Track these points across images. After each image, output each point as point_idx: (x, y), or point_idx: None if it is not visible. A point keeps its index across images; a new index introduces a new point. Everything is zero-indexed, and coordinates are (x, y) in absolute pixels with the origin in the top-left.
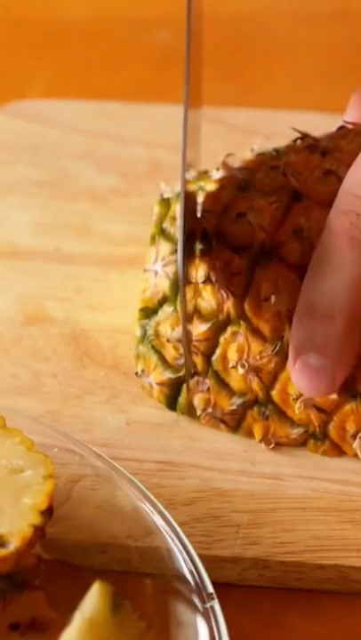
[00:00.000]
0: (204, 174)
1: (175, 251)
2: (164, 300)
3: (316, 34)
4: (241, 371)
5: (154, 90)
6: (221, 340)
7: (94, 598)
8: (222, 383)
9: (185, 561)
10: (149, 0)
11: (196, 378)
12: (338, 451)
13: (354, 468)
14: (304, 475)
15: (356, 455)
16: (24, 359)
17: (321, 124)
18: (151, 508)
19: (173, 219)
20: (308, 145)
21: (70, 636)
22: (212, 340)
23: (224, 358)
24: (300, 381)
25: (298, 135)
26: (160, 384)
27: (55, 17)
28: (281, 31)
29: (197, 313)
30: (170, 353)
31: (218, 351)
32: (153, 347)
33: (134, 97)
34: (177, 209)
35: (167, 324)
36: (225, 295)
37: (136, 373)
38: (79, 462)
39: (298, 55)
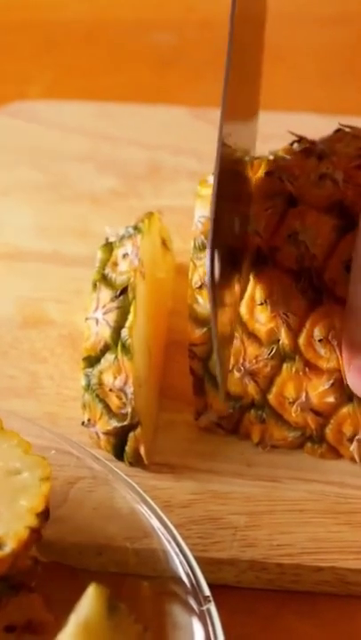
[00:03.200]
0: (203, 181)
1: (115, 297)
2: (105, 349)
3: (315, 37)
4: (237, 374)
5: (154, 91)
6: None
7: (90, 601)
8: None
9: (181, 563)
10: (150, 2)
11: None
12: (335, 453)
13: (351, 471)
14: (301, 477)
15: (352, 458)
16: (22, 361)
17: (318, 127)
18: (148, 511)
19: (115, 264)
20: (304, 148)
21: (66, 638)
22: (208, 344)
23: None
24: (356, 384)
25: (295, 138)
26: (106, 433)
27: (55, 19)
28: (279, 34)
29: (193, 318)
30: (114, 402)
31: (214, 355)
32: (97, 396)
33: (134, 98)
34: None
35: (110, 372)
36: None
37: (83, 423)
38: (76, 464)
39: (296, 58)
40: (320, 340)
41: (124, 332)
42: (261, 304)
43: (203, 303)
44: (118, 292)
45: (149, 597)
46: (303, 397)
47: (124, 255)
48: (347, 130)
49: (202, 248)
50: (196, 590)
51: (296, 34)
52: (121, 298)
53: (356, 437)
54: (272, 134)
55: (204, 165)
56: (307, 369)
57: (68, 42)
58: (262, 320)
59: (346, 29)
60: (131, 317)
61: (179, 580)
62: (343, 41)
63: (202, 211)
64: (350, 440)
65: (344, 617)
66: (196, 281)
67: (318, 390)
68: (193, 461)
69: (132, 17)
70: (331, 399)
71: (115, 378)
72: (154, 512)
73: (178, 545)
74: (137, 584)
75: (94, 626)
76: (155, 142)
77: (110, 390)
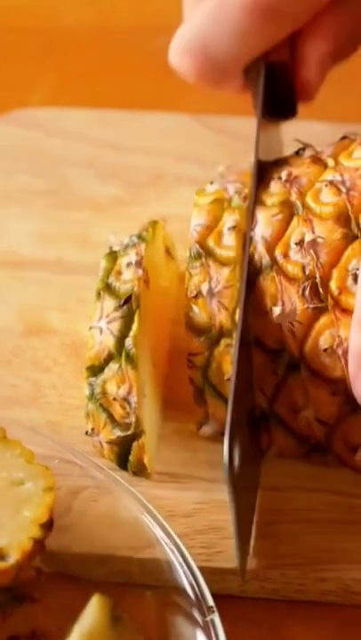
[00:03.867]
0: (200, 190)
1: (119, 307)
2: (109, 358)
3: None
4: None
5: (156, 97)
6: (215, 352)
7: (93, 611)
8: (219, 396)
9: (185, 573)
10: (151, 8)
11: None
12: (340, 463)
13: (356, 480)
14: (306, 487)
15: (358, 467)
16: (25, 370)
17: (324, 134)
18: (151, 520)
19: (119, 273)
20: (310, 156)
21: None
22: (206, 353)
23: (219, 371)
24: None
25: (301, 146)
26: (110, 442)
27: (56, 25)
28: None
29: (190, 327)
30: (117, 411)
31: (213, 364)
32: (101, 405)
33: (136, 105)
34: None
35: (113, 382)
36: (217, 308)
37: (86, 432)
38: (80, 474)
39: None
40: (325, 350)
41: (128, 342)
42: (267, 313)
43: (198, 312)
44: (122, 302)
45: (153, 607)
46: (309, 406)
47: (128, 264)
48: (352, 137)
49: (197, 257)
50: (199, 601)
51: None
52: (125, 307)
53: None
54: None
55: (206, 172)
56: (312, 378)
57: (70, 48)
58: (268, 327)
59: None
60: (135, 327)
61: (182, 591)
62: None
63: (198, 219)
64: (356, 449)
65: (349, 627)
66: (191, 290)
67: (324, 399)
68: (197, 471)
69: (133, 23)
70: (334, 408)
71: (118, 387)
72: (157, 522)
73: (182, 555)
74: (140, 594)
75: (98, 636)
76: (157, 149)
77: (114, 400)
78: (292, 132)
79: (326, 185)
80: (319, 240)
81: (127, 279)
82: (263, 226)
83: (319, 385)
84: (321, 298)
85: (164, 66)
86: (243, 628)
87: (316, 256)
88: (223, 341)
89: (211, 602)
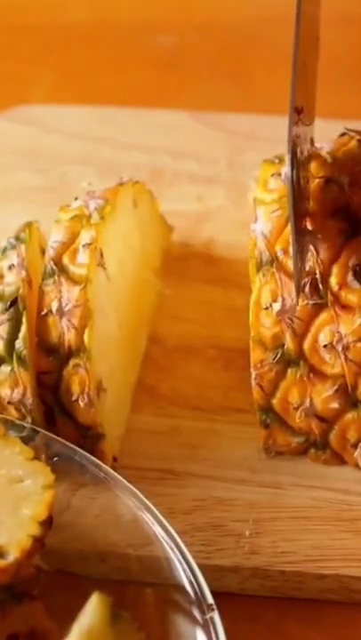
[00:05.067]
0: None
1: (5, 310)
2: (0, 362)
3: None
4: None
5: (155, 94)
6: (64, 372)
7: (93, 609)
8: (68, 416)
9: (185, 571)
10: (151, 5)
11: None
12: (339, 460)
13: (355, 478)
14: (305, 484)
15: (356, 464)
16: None
17: (323, 131)
18: (151, 518)
19: (1, 276)
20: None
21: None
22: (56, 373)
23: (68, 391)
24: None
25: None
26: None
27: (56, 22)
28: (283, 37)
29: (41, 345)
30: (13, 415)
31: (62, 384)
32: None
33: (136, 102)
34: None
35: (6, 385)
36: (66, 328)
37: None
38: (79, 471)
39: None
40: (325, 346)
41: (19, 343)
42: (266, 308)
43: (48, 330)
44: (8, 304)
45: (152, 605)
46: (307, 403)
47: (10, 266)
48: (352, 134)
49: (50, 274)
50: (199, 598)
51: None
52: (11, 310)
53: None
54: (273, 138)
55: (205, 169)
56: (311, 374)
57: (69, 45)
58: (267, 324)
59: (350, 33)
60: (23, 328)
61: (182, 588)
62: (347, 44)
63: (56, 236)
64: (354, 446)
65: (348, 624)
66: (42, 308)
67: (323, 396)
68: (196, 468)
69: (132, 20)
70: (335, 405)
71: (12, 390)
72: (157, 519)
73: (181, 552)
74: (140, 592)
75: (97, 634)
76: (156, 146)
77: (8, 403)
78: None
79: (325, 181)
80: (319, 236)
81: (11, 281)
82: (263, 222)
83: (318, 382)
84: (321, 294)
85: (163, 63)
86: (242, 625)
87: (315, 252)
88: (72, 361)
89: (210, 599)
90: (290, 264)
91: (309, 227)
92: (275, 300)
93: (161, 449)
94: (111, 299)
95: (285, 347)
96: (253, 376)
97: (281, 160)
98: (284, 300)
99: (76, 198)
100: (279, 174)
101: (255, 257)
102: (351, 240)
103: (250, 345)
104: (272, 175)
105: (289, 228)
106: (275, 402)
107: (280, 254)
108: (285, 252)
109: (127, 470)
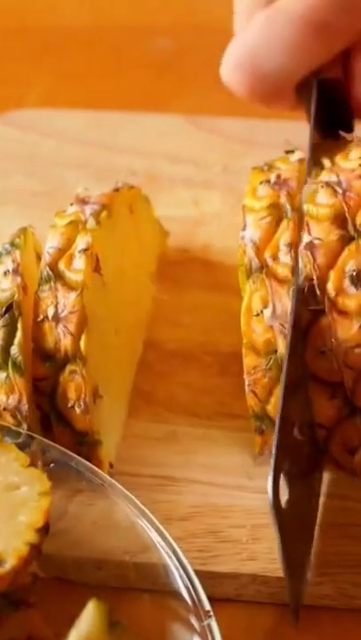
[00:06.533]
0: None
1: (0, 316)
2: None
3: None
4: None
5: (151, 97)
6: (61, 378)
7: (90, 616)
8: (64, 422)
9: (182, 577)
10: (148, 8)
11: None
12: (336, 466)
13: (352, 484)
14: None
15: (353, 470)
16: None
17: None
18: (148, 524)
19: None
20: (301, 157)
21: None
22: (52, 379)
23: (64, 397)
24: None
25: (292, 147)
26: None
27: (53, 25)
28: None
29: (37, 352)
30: (9, 421)
31: (59, 390)
32: None
33: (132, 105)
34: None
35: (2, 392)
36: (62, 334)
37: None
38: (75, 478)
39: None
40: (323, 352)
41: (14, 350)
42: (257, 315)
43: (44, 337)
44: (3, 310)
45: (149, 612)
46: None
47: (5, 272)
48: (348, 138)
49: (47, 280)
50: (196, 605)
51: None
52: (7, 316)
53: (359, 450)
54: (269, 142)
55: (201, 173)
56: (310, 381)
57: (66, 47)
58: (259, 331)
59: None
60: (19, 335)
61: (179, 595)
62: None
63: (52, 242)
64: (352, 452)
65: (345, 631)
66: (38, 314)
67: (322, 403)
68: (193, 474)
69: (129, 23)
70: (333, 411)
71: (8, 397)
72: (153, 526)
73: (178, 559)
74: (137, 599)
75: None
76: (152, 150)
77: (4, 409)
78: (289, 133)
79: (322, 186)
80: (316, 242)
81: (6, 287)
82: (252, 229)
83: (317, 388)
84: (318, 300)
85: (159, 67)
86: (239, 631)
87: (312, 258)
88: (68, 367)
89: (208, 606)
90: (280, 270)
91: (306, 232)
92: (265, 307)
93: (157, 455)
94: (107, 304)
95: (278, 353)
96: (247, 383)
97: (270, 167)
98: (274, 306)
99: (72, 204)
100: (268, 181)
101: (245, 264)
102: (348, 245)
103: (243, 352)
104: (261, 183)
105: (278, 235)
106: (269, 408)
107: (270, 261)
108: (275, 258)
109: (124, 477)
